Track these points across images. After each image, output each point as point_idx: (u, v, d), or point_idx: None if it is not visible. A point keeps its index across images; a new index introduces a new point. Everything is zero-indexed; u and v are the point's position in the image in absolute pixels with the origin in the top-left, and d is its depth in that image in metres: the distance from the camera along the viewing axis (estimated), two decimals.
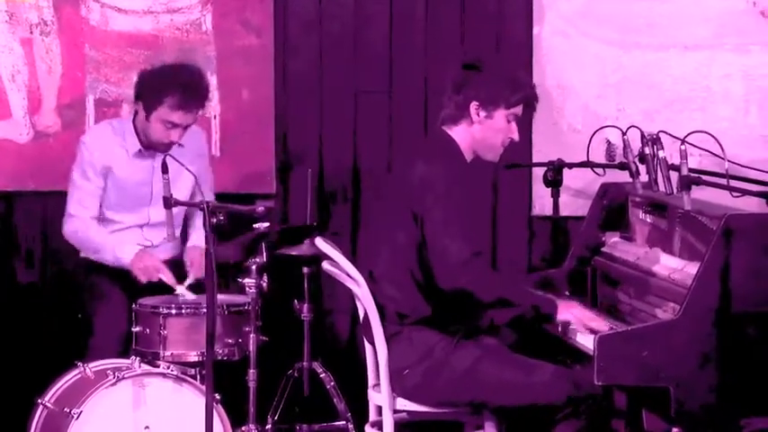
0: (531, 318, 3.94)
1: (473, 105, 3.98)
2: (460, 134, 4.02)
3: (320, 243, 4.14)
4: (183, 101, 4.54)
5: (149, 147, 4.69)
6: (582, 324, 3.90)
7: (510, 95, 3.98)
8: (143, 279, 4.57)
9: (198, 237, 4.70)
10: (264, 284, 4.42)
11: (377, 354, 4.02)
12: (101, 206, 4.72)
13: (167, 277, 4.55)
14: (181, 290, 4.53)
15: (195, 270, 4.61)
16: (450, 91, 4.02)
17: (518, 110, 4.02)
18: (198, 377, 4.25)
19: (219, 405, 4.16)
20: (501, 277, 3.99)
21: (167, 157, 4.30)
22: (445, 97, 4.04)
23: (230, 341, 4.38)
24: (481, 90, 3.97)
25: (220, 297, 4.38)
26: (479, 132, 4.00)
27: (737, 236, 3.71)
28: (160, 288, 4.57)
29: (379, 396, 4.04)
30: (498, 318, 4.00)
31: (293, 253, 4.66)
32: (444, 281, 3.86)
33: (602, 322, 3.94)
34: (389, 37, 5.22)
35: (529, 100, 4.02)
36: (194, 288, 4.54)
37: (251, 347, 4.38)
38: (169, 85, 4.56)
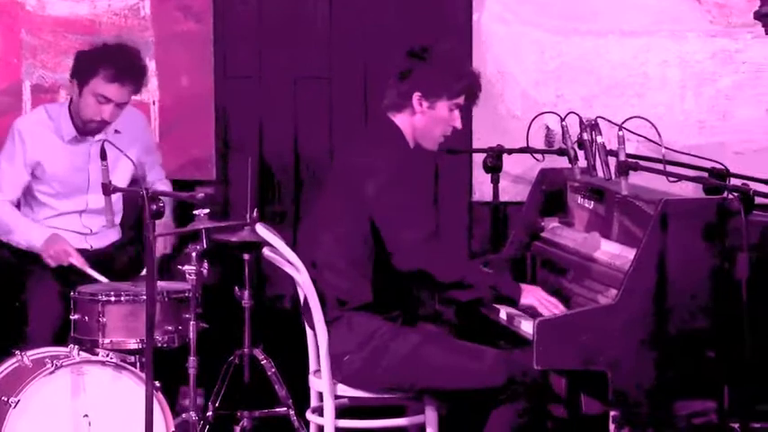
0: (493, 300, 3.95)
1: (416, 96, 4.00)
2: (403, 121, 4.04)
3: (261, 230, 4.13)
4: (117, 74, 4.51)
5: (85, 132, 4.65)
6: (547, 309, 3.91)
7: (452, 87, 4.00)
8: (52, 264, 4.54)
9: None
10: (205, 271, 4.41)
11: (317, 339, 4.02)
12: (33, 193, 4.68)
13: (78, 261, 4.53)
14: (93, 273, 4.49)
15: (159, 246, 4.61)
16: (395, 78, 4.03)
17: (460, 100, 4.03)
18: (137, 365, 4.23)
19: (159, 393, 4.14)
20: (461, 258, 3.99)
21: (105, 143, 4.27)
22: (389, 83, 4.05)
23: (170, 328, 4.36)
24: (424, 81, 3.98)
25: (160, 284, 4.36)
26: (421, 122, 4.02)
27: (674, 220, 3.75)
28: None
29: (320, 382, 4.04)
30: (460, 297, 3.99)
31: (233, 239, 4.64)
32: (402, 262, 3.87)
33: (564, 309, 3.95)
34: (329, 22, 5.21)
35: (472, 91, 4.04)
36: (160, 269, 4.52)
37: (191, 334, 4.38)
38: (104, 58, 4.55)
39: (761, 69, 5.14)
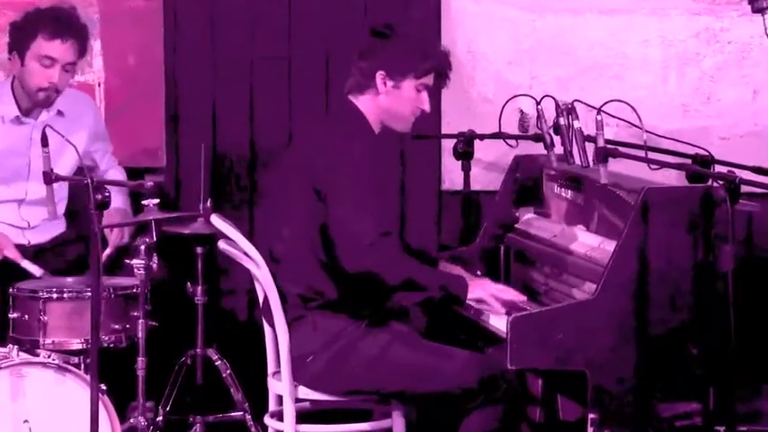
0: (442, 299, 3.94)
1: (379, 75, 3.98)
2: (367, 104, 4.02)
3: (216, 221, 4.11)
4: (57, 30, 4.50)
5: (30, 110, 4.62)
6: (496, 299, 3.91)
7: (419, 65, 3.99)
8: None
9: (115, 198, 4.62)
10: (154, 265, 4.39)
11: (277, 339, 4.00)
12: None
13: (12, 253, 4.49)
14: (30, 267, 4.46)
15: (115, 236, 4.56)
16: (357, 58, 4.02)
17: (428, 80, 4.02)
18: (82, 366, 4.21)
19: (105, 396, 4.12)
20: (409, 259, 3.99)
21: (47, 128, 4.23)
22: (352, 64, 4.03)
23: (117, 327, 4.35)
24: (389, 58, 3.97)
25: (106, 279, 4.35)
26: (386, 102, 4.01)
27: (656, 210, 3.76)
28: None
29: (280, 385, 4.03)
30: (406, 301, 4.00)
31: (185, 231, 4.62)
32: (349, 262, 3.86)
33: (518, 295, 3.97)
34: None
35: (440, 69, 4.03)
36: (114, 261, 4.49)
37: (140, 333, 4.36)
38: (40, 18, 4.54)
39: (747, 49, 5.15)
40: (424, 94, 4.02)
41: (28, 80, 4.57)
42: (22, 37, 4.55)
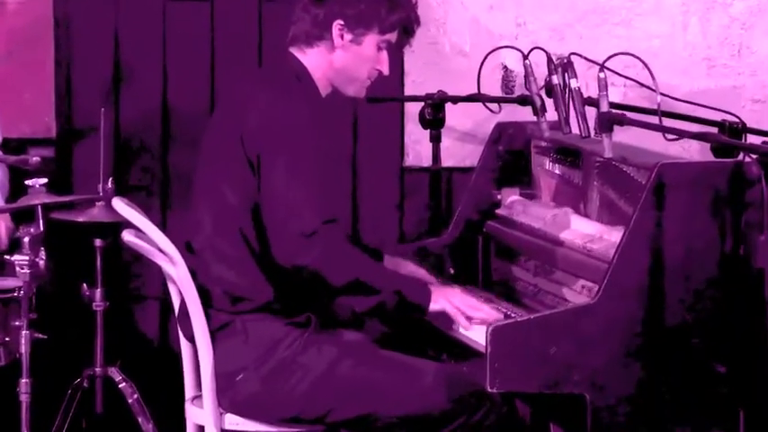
0: (396, 308, 3.95)
1: (337, 25, 4.00)
2: (315, 60, 4.03)
3: (119, 206, 4.10)
4: None
5: None
6: (463, 316, 3.93)
7: (386, 16, 4.01)
8: None
9: None
10: (41, 262, 4.38)
11: (198, 354, 4.01)
12: None
13: None
14: None
15: None
16: (308, 1, 4.01)
17: (393, 36, 4.05)
18: None
19: None
20: (358, 254, 3.99)
21: None
22: (298, 8, 4.04)
23: None
24: (350, 5, 3.99)
25: None
26: (341, 60, 4.03)
27: (673, 191, 3.77)
28: None
29: (201, 412, 4.04)
30: (357, 305, 4.01)
31: (81, 219, 4.61)
32: (282, 254, 3.86)
33: (492, 312, 3.98)
34: None
35: (408, 25, 4.06)
36: None
37: (23, 348, 4.36)
38: None
39: None
40: (385, 54, 4.05)
41: None
42: None
